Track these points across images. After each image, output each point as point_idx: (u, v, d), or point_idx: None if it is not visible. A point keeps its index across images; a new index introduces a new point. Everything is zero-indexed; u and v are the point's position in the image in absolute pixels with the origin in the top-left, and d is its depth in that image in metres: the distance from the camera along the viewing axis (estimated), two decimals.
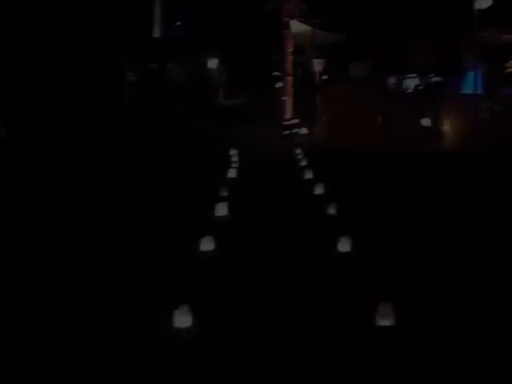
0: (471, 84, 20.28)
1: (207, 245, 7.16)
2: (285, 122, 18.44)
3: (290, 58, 19.20)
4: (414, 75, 30.97)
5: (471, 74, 20.28)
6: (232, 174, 12.26)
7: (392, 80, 32.01)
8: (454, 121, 16.79)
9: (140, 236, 7.94)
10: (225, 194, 10.17)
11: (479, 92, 19.82)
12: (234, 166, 13.15)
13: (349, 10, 22.43)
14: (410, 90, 30.10)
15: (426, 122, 16.63)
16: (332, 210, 8.93)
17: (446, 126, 16.76)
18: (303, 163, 13.51)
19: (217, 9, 25.89)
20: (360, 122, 16.57)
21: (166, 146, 16.48)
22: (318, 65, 19.41)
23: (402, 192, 10.64)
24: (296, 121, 18.58)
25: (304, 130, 18.67)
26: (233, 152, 14.63)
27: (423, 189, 10.90)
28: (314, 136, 16.79)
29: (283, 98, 19.23)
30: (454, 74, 22.74)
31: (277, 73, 27.19)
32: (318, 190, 10.47)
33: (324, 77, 20.48)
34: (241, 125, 21.77)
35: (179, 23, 27.56)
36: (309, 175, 11.99)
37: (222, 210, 8.96)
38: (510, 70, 22.31)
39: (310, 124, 17.07)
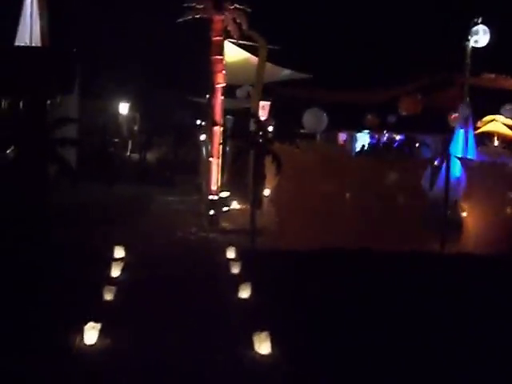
0: (461, 144, 14.99)
1: None
2: (210, 196, 11.77)
3: (219, 99, 12.24)
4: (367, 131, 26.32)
5: (461, 131, 15.08)
6: (93, 336, 5.45)
7: (342, 136, 26.86)
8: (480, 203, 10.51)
9: None
10: None
11: (471, 156, 14.78)
12: (112, 292, 6.64)
13: (313, 38, 16.45)
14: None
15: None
16: None
17: (466, 212, 10.55)
18: (243, 292, 7.02)
19: (123, 27, 19.13)
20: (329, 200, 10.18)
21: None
22: (262, 110, 13.05)
23: None
24: (226, 194, 12.29)
25: (237, 205, 12.57)
26: (118, 253, 8.57)
27: None
28: (254, 217, 10.25)
29: (209, 159, 12.25)
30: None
31: (200, 121, 21.21)
32: None
33: (269, 127, 14.15)
34: (148, 191, 15.31)
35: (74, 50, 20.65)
36: (255, 334, 5.46)
37: None
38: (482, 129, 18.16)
39: (253, 199, 10.67)
